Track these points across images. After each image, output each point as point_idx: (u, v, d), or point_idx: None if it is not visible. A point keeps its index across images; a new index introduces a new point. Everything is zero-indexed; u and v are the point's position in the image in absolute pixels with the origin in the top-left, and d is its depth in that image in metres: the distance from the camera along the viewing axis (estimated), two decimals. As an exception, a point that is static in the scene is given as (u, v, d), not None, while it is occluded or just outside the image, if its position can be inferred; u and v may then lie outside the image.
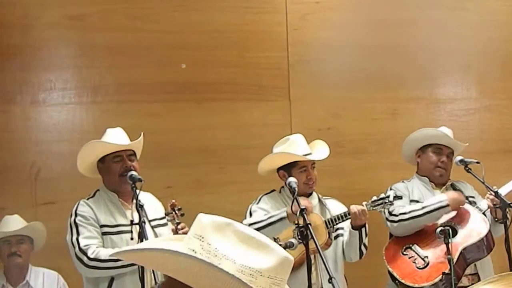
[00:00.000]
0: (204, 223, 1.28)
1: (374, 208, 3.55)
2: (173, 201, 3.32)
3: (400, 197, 3.66)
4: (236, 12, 4.54)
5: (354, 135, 4.59)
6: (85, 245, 3.22)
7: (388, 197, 3.55)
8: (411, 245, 3.72)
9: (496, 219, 3.63)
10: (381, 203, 3.55)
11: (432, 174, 3.89)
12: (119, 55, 4.37)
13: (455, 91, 4.75)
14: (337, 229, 3.65)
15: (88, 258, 3.20)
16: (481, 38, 4.78)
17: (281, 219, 3.47)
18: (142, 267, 2.92)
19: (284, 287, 1.27)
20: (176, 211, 3.31)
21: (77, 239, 3.25)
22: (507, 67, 4.77)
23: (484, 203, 3.71)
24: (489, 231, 3.61)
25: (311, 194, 3.71)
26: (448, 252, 3.33)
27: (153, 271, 2.75)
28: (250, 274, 1.20)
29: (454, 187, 3.90)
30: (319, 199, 3.74)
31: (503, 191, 3.68)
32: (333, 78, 4.63)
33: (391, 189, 3.89)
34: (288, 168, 3.65)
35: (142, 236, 3.06)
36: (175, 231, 3.26)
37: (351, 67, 4.67)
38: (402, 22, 4.70)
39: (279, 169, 3.70)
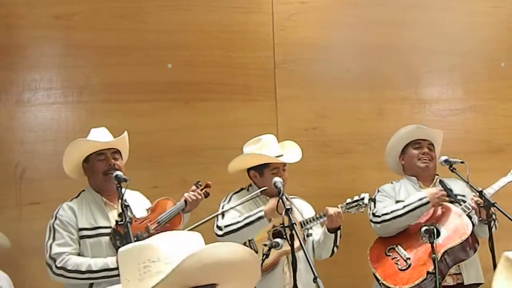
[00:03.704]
0: None
1: (348, 210, 3.58)
2: (210, 183, 3.63)
3: (374, 200, 3.69)
4: (222, 12, 4.54)
5: (340, 135, 4.61)
6: (56, 253, 3.27)
7: (362, 199, 3.58)
8: (395, 246, 3.73)
9: (480, 219, 3.66)
10: (356, 205, 3.58)
11: (418, 167, 3.91)
12: (105, 55, 4.36)
13: (440, 92, 4.77)
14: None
15: (56, 266, 3.27)
16: (467, 39, 4.80)
17: (258, 218, 3.48)
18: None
19: (159, 266, 1.60)
20: (205, 190, 3.58)
21: (51, 245, 3.30)
22: (492, 68, 4.80)
23: (468, 205, 3.73)
24: (472, 232, 3.63)
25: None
26: (433, 251, 3.35)
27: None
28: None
29: (443, 185, 3.92)
30: (287, 199, 3.75)
31: (490, 190, 3.71)
32: (319, 78, 4.64)
33: (378, 191, 3.92)
34: (259, 169, 3.67)
35: (127, 237, 3.06)
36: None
37: (337, 67, 4.68)
38: (388, 22, 4.71)
39: (250, 169, 3.72)
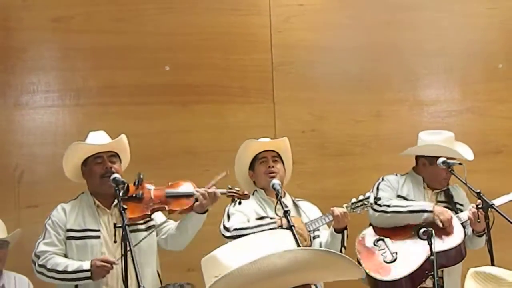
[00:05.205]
0: None
1: (354, 210, 3.59)
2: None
3: (379, 199, 3.70)
4: (220, 14, 4.55)
5: (338, 137, 4.61)
6: (40, 251, 3.32)
7: (367, 198, 3.59)
8: (384, 238, 3.75)
9: (474, 232, 3.67)
10: (361, 205, 3.59)
11: (439, 184, 3.88)
12: (103, 57, 4.37)
13: (438, 93, 4.78)
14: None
15: (38, 264, 3.31)
16: (464, 40, 4.82)
17: (270, 230, 3.46)
18: (126, 271, 2.91)
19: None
20: (236, 194, 3.45)
21: (39, 243, 3.35)
22: (489, 69, 4.81)
23: (464, 214, 3.73)
24: (463, 241, 3.63)
25: (284, 195, 3.65)
26: (432, 253, 3.35)
27: (136, 273, 2.74)
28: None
29: (447, 192, 3.91)
30: (293, 201, 3.75)
31: (496, 203, 3.67)
32: (317, 80, 4.65)
33: (383, 179, 3.92)
34: (252, 165, 3.70)
35: (125, 240, 3.05)
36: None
37: (335, 69, 4.69)
38: (385, 24, 4.73)
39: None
